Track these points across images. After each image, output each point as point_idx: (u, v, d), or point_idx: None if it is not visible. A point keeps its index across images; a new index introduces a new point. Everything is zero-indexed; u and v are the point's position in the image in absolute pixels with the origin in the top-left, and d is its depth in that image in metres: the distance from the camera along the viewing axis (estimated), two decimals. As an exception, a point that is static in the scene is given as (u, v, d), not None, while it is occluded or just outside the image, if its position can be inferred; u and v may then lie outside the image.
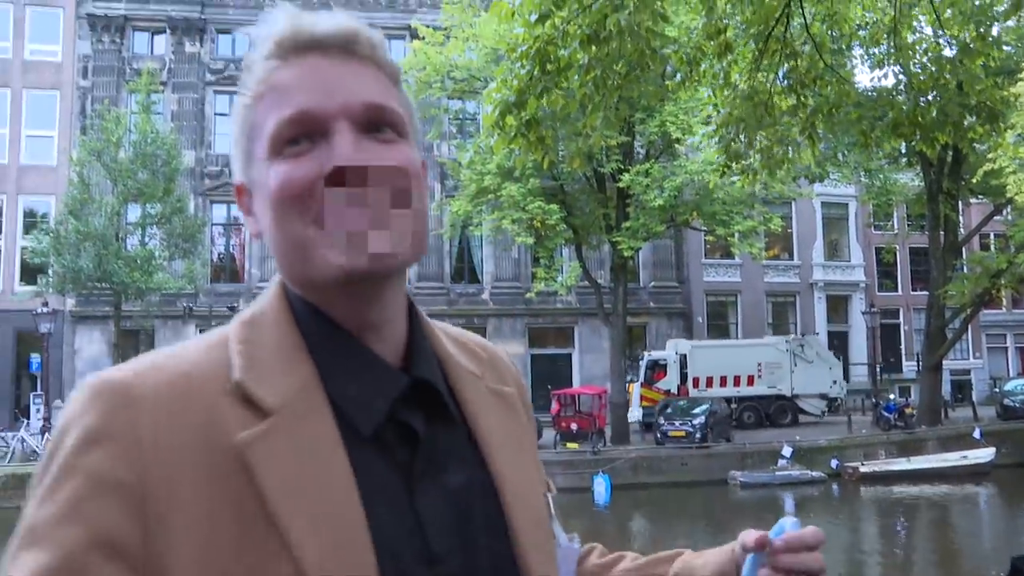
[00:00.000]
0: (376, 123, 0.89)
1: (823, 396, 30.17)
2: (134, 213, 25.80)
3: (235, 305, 29.83)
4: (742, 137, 6.44)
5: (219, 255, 33.94)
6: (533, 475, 1.00)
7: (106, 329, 28.60)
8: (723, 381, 28.57)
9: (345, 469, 0.83)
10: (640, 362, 30.50)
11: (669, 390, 28.60)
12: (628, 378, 27.87)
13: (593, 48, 6.00)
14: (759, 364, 29.34)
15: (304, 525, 0.79)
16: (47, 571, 0.75)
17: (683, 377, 28.96)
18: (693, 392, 28.22)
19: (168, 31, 33.66)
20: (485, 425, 0.96)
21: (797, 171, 6.85)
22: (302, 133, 0.87)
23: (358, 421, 0.86)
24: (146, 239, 25.69)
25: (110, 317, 26.34)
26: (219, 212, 33.77)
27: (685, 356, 29.23)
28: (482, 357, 1.04)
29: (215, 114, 34.06)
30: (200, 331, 30.59)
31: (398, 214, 0.87)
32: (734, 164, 6.62)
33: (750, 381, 29.34)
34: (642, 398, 28.33)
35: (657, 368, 29.47)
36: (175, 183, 25.85)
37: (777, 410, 29.34)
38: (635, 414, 27.73)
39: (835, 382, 30.50)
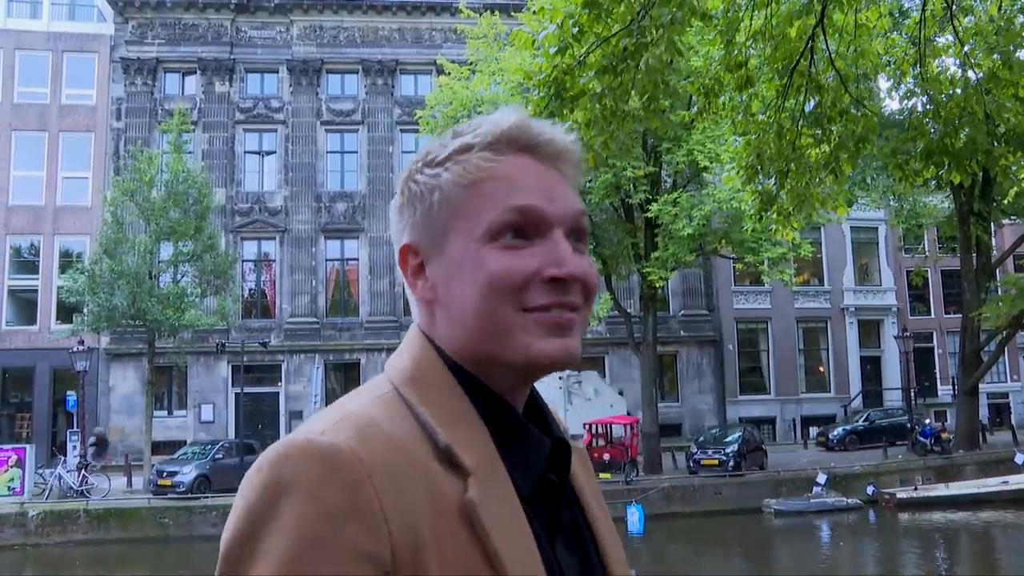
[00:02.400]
0: (577, 234, 0.98)
1: None
2: (166, 251, 26.16)
3: (266, 341, 30.09)
4: (771, 174, 6.46)
5: (250, 291, 34.28)
6: (610, 523, 1.08)
7: (140, 366, 28.93)
8: None
9: (527, 523, 0.92)
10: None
11: None
12: None
13: (607, 77, 6.06)
14: None
15: (519, 573, 0.87)
16: None
17: None
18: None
19: (199, 72, 34.31)
20: (581, 481, 1.06)
21: (826, 205, 6.76)
22: (522, 227, 0.95)
23: (519, 481, 0.94)
24: (178, 276, 26.03)
25: (144, 354, 26.65)
26: (250, 248, 34.18)
27: None
28: (555, 417, 1.11)
29: (244, 152, 34.58)
30: (232, 367, 30.97)
31: (583, 323, 0.98)
32: (770, 210, 6.63)
33: None
34: None
35: None
36: (206, 221, 26.23)
37: None
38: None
39: None
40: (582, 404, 27.58)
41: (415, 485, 0.85)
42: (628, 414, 28.89)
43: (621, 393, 29.94)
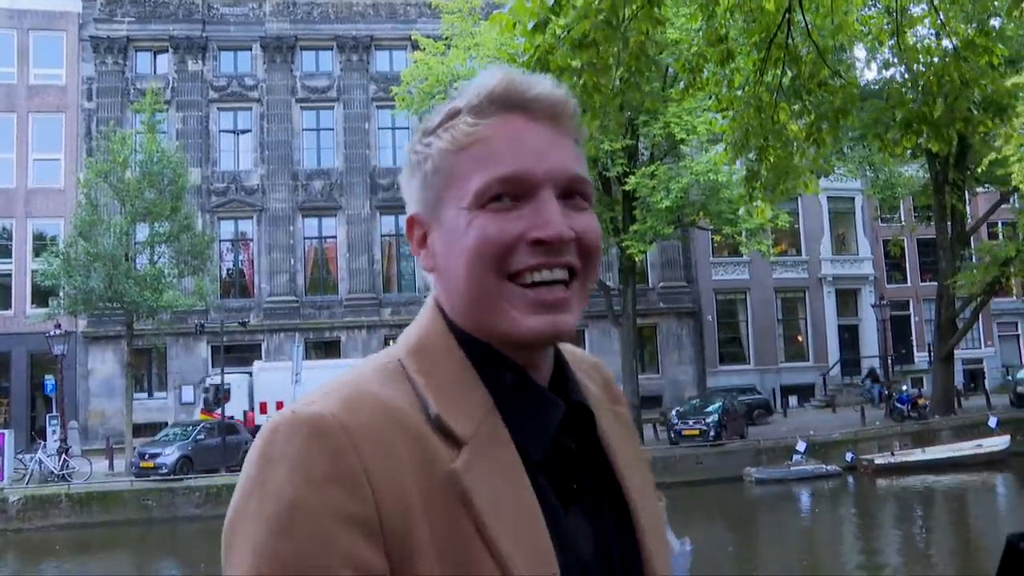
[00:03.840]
0: (573, 192, 0.95)
1: None
2: (143, 232, 25.90)
3: (246, 320, 29.97)
4: (752, 148, 6.47)
5: (228, 271, 34.09)
6: (650, 488, 1.06)
7: (118, 349, 28.74)
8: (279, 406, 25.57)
9: (531, 492, 0.91)
10: (201, 386, 28.89)
11: (233, 416, 26.75)
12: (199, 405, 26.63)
13: (585, 53, 6.01)
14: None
15: (511, 543, 0.87)
16: None
17: (251, 401, 27.38)
18: (260, 419, 25.96)
19: (171, 50, 33.85)
20: (615, 446, 1.02)
21: (809, 182, 6.77)
22: (509, 192, 0.93)
23: (529, 446, 0.93)
24: (155, 258, 25.81)
25: (122, 337, 26.46)
26: (227, 228, 33.94)
27: (252, 380, 27.67)
28: (596, 379, 1.10)
29: (219, 131, 34.23)
30: (212, 347, 30.80)
31: (581, 283, 0.95)
32: (755, 187, 6.64)
33: None
34: None
35: (220, 392, 26.96)
36: (182, 201, 25.98)
37: None
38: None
39: None
40: None
41: (404, 450, 0.86)
42: None
43: None
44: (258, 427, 26.18)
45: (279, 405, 25.83)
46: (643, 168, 25.01)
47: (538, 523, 0.89)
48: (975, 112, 6.33)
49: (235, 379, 27.81)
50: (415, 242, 1.01)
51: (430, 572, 0.84)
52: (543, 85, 0.97)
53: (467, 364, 0.95)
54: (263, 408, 26.74)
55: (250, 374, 28.09)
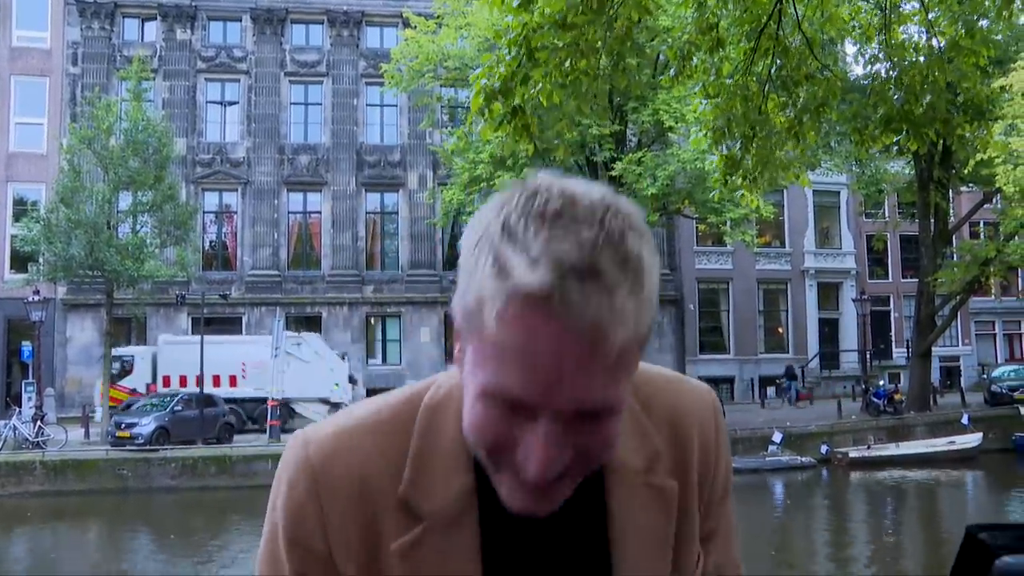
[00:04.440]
0: (584, 414, 0.84)
1: (324, 401, 26.63)
2: (125, 201, 25.69)
3: (227, 293, 29.85)
4: (736, 137, 6.48)
5: (211, 243, 33.91)
6: (662, 570, 1.00)
7: (98, 317, 28.57)
8: (198, 380, 25.00)
9: (476, 574, 0.93)
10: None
11: (135, 389, 26.61)
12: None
13: (567, 33, 5.97)
14: (243, 364, 26.95)
15: None
16: None
17: (155, 375, 27.09)
18: (163, 390, 26.01)
19: (159, 18, 33.50)
20: (623, 527, 0.98)
21: (788, 172, 6.79)
22: (506, 405, 0.84)
23: (502, 527, 0.94)
24: (138, 227, 25.63)
25: (102, 305, 26.29)
26: (211, 200, 33.74)
27: (156, 353, 27.39)
28: (654, 439, 1.02)
29: (206, 102, 33.96)
30: (192, 319, 30.62)
31: (575, 482, 0.89)
32: (735, 175, 6.64)
33: (232, 381, 26.88)
34: (109, 397, 25.18)
35: (125, 365, 27.03)
36: (166, 171, 25.78)
37: (263, 414, 25.62)
38: (99, 413, 25.01)
39: (338, 385, 27.26)
40: (300, 367, 26.07)
41: (363, 520, 0.94)
42: (351, 379, 27.97)
43: (344, 357, 28.71)
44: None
45: (182, 380, 26.04)
46: (630, 154, 25.01)
47: None
48: (954, 115, 6.36)
49: (140, 352, 27.75)
50: (455, 332, 0.94)
51: None
52: (603, 285, 0.79)
53: (464, 440, 0.93)
54: (166, 381, 26.44)
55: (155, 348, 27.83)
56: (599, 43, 5.91)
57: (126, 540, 17.78)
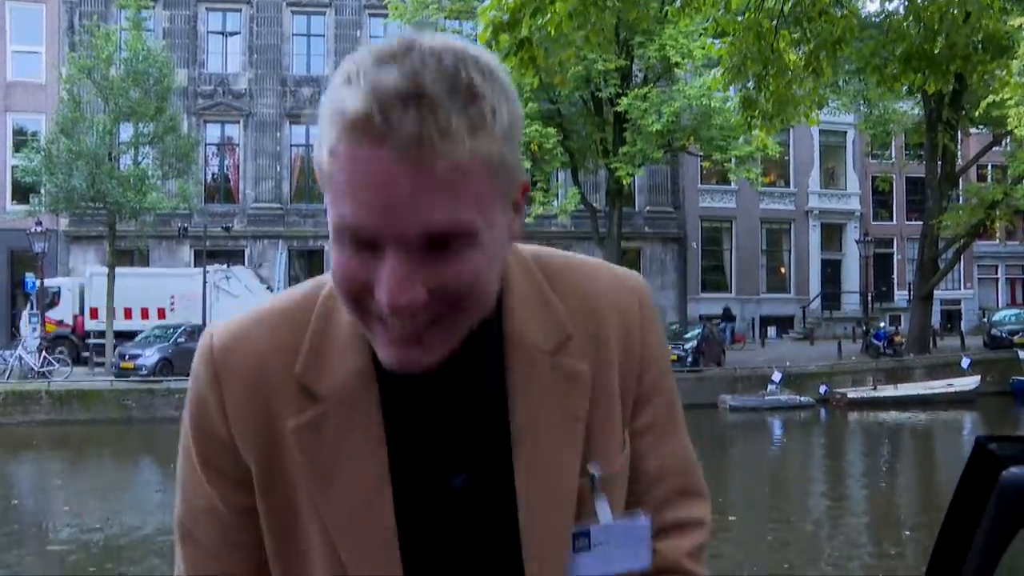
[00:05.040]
0: (436, 240, 0.82)
1: None
2: (126, 132, 25.51)
3: (229, 225, 29.79)
4: (750, 76, 6.37)
5: (213, 175, 33.73)
6: (569, 453, 0.97)
7: (100, 249, 28.56)
8: (128, 313, 25.48)
9: (379, 455, 0.93)
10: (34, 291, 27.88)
11: (62, 320, 26.62)
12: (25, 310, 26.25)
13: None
14: (172, 296, 27.02)
15: (332, 502, 0.93)
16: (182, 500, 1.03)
17: (82, 307, 27.01)
18: (90, 324, 26.25)
19: (158, -57, 32.78)
20: (524, 401, 0.96)
21: (806, 108, 6.70)
22: (353, 237, 0.83)
23: (397, 406, 0.94)
24: (139, 158, 25.47)
25: (104, 237, 26.27)
26: (213, 132, 33.45)
27: (84, 285, 27.16)
28: (563, 321, 0.99)
29: (208, 32, 33.43)
30: (194, 252, 30.66)
31: (452, 324, 0.86)
32: (752, 115, 6.53)
33: (160, 314, 26.77)
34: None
35: (51, 296, 26.86)
36: (168, 102, 25.52)
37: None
38: (30, 345, 24.58)
39: None
40: (229, 301, 25.90)
41: (261, 402, 0.95)
42: None
43: (273, 291, 28.10)
44: (87, 332, 26.19)
45: (127, 313, 26.03)
46: (636, 90, 24.69)
47: (369, 487, 0.92)
48: (975, 51, 6.23)
49: (66, 283, 27.56)
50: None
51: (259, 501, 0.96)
52: (422, 104, 0.78)
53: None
54: (93, 313, 26.29)
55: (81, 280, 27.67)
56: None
57: (129, 469, 18.06)
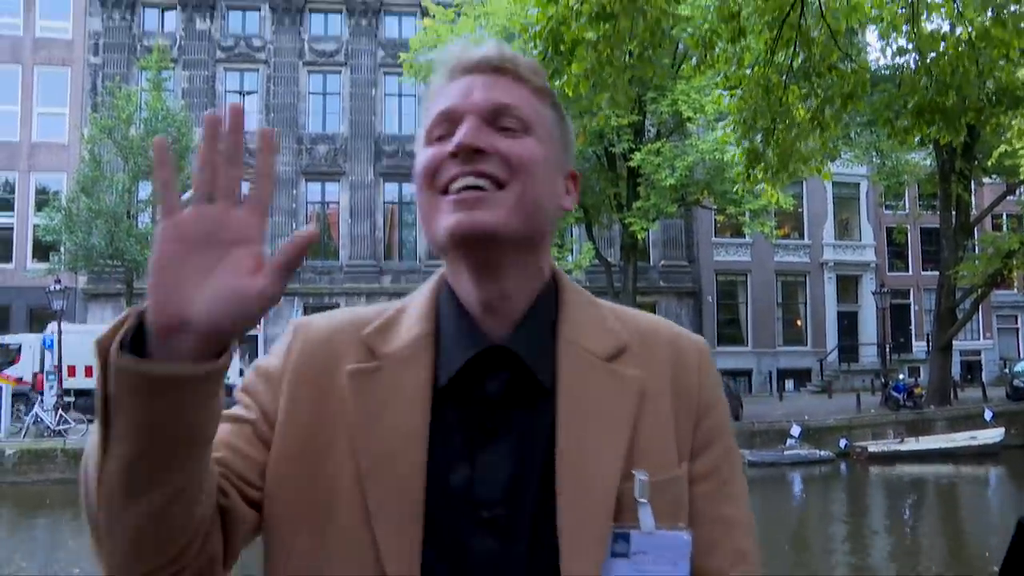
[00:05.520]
0: (499, 117, 1.06)
1: None
2: (145, 190, 25.84)
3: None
4: (759, 129, 6.40)
5: (230, 232, 33.95)
6: (613, 452, 1.02)
7: (118, 307, 28.75)
8: (71, 371, 24.64)
9: (422, 412, 1.03)
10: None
11: (21, 377, 25.49)
12: None
13: (603, 26, 5.96)
14: None
15: (370, 443, 1.02)
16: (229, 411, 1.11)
17: (43, 364, 25.95)
18: (69, 381, 25.13)
19: (178, 8, 33.57)
20: (574, 397, 1.04)
21: (809, 164, 6.77)
22: (444, 127, 1.07)
23: (442, 374, 1.05)
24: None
25: (122, 295, 26.47)
26: (230, 190, 33.77)
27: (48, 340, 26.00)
28: (622, 335, 1.11)
29: (226, 91, 34.01)
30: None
31: (512, 192, 1.04)
32: (757, 168, 6.57)
33: (88, 372, 25.18)
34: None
35: (11, 352, 26.11)
36: (186, 160, 25.80)
37: None
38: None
39: None
40: None
41: (327, 350, 1.09)
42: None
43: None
44: (42, 391, 25.33)
45: (71, 369, 25.24)
46: (649, 145, 24.86)
47: (414, 439, 1.01)
48: (988, 104, 6.25)
49: (28, 340, 26.97)
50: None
51: (289, 427, 1.05)
52: (490, 49, 1.12)
53: (431, 303, 1.12)
54: (71, 371, 25.40)
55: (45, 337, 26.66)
56: (627, 32, 5.85)
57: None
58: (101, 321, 30.44)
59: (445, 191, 1.04)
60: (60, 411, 23.50)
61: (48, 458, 21.56)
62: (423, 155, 1.08)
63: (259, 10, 34.25)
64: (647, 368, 1.08)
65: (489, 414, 1.03)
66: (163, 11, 33.86)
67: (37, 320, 30.08)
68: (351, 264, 33.58)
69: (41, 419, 23.25)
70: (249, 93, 34.30)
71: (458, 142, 1.03)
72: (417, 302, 1.13)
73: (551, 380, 1.05)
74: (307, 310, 32.42)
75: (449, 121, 1.07)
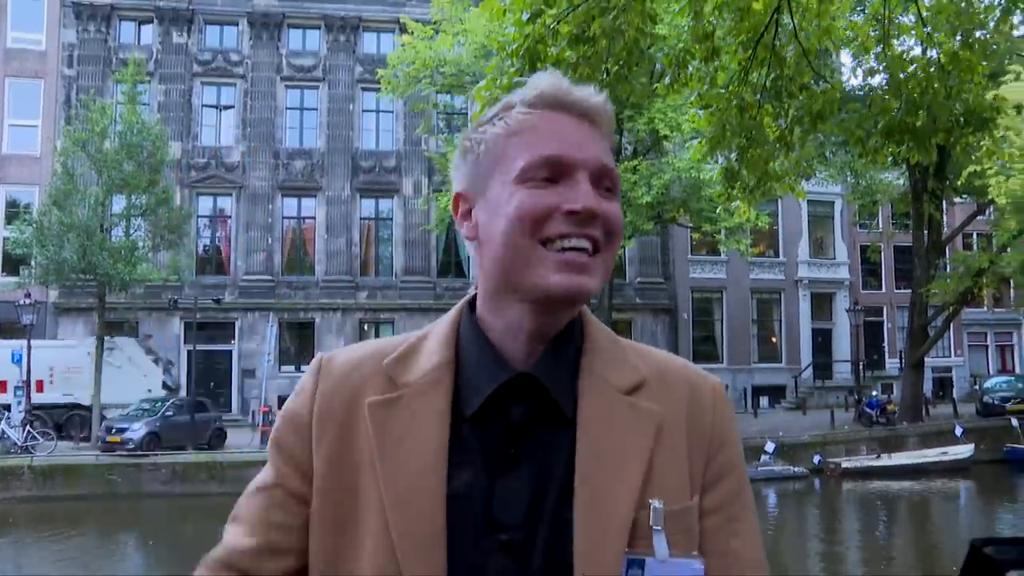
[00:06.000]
0: (603, 180, 1.08)
1: None
2: (119, 204, 25.63)
3: (220, 297, 29.73)
4: (732, 147, 6.46)
5: (204, 247, 33.77)
6: (630, 481, 1.05)
7: (89, 321, 28.44)
8: (3, 387, 24.50)
9: (441, 439, 1.06)
10: None
11: None
12: None
13: (582, 47, 6.00)
14: (51, 368, 25.71)
15: (392, 472, 1.04)
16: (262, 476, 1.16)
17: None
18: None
19: (155, 21, 33.42)
20: (594, 428, 1.07)
21: (783, 182, 6.86)
22: (548, 171, 1.06)
23: (467, 404, 1.08)
24: (131, 230, 25.53)
25: (94, 309, 26.19)
26: (205, 204, 33.62)
27: None
28: (641, 370, 1.14)
29: (202, 105, 33.85)
30: (185, 324, 30.54)
31: (604, 257, 1.08)
32: (734, 188, 6.63)
33: (39, 387, 25.23)
34: None
35: None
36: (161, 174, 25.72)
37: (71, 421, 25.48)
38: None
39: (150, 391, 26.41)
40: (112, 372, 25.37)
41: (350, 384, 1.12)
42: (165, 385, 27.33)
43: (159, 362, 28.07)
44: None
45: (1, 385, 25.24)
46: (625, 163, 25.01)
47: (434, 466, 1.04)
48: (957, 125, 6.35)
49: None
50: (460, 215, 1.16)
51: (326, 466, 1.09)
52: (586, 91, 1.12)
53: (452, 332, 1.14)
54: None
55: None
56: (605, 52, 5.89)
57: (115, 546, 17.67)
58: (72, 335, 30.13)
59: (546, 243, 1.05)
60: (28, 427, 23.16)
61: (14, 475, 21.23)
62: (524, 197, 1.06)
63: (237, 24, 34.17)
64: (664, 403, 1.11)
65: (511, 440, 1.06)
66: (140, 24, 33.69)
67: (5, 335, 29.67)
68: (327, 279, 33.43)
69: (8, 436, 22.91)
70: (226, 107, 34.16)
71: (585, 206, 1.04)
72: (438, 330, 1.16)
73: (572, 409, 1.08)
74: (282, 325, 32.26)
75: (556, 167, 1.06)
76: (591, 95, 1.11)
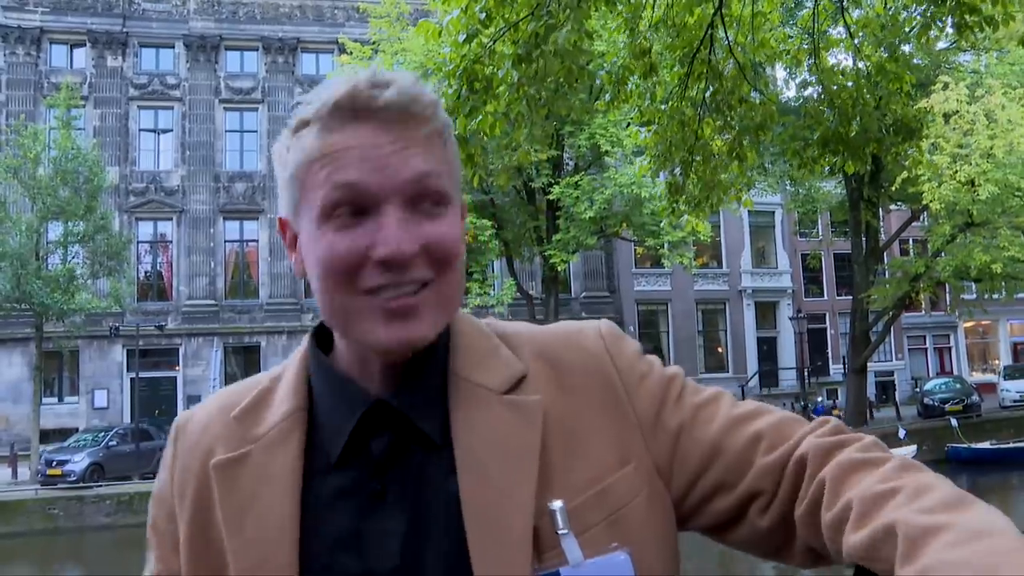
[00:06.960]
0: (423, 199, 0.91)
1: None
2: (55, 231, 25.07)
3: (163, 324, 29.19)
4: (676, 162, 6.56)
5: (146, 273, 33.17)
6: (521, 488, 0.93)
7: (27, 351, 27.71)
8: None
9: (292, 501, 0.94)
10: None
11: None
12: None
13: (523, 67, 6.04)
14: None
15: (239, 543, 0.94)
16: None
17: None
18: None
19: (88, 44, 32.86)
20: (470, 441, 0.94)
21: (730, 193, 6.96)
22: (351, 205, 0.90)
23: (329, 446, 0.96)
24: (68, 258, 24.98)
25: (31, 339, 25.52)
26: (145, 229, 33.05)
27: None
28: (516, 365, 1.01)
29: (139, 130, 33.34)
30: (127, 351, 29.94)
31: (439, 286, 0.92)
32: (679, 200, 6.73)
33: None
34: None
35: None
36: (98, 200, 25.21)
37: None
38: None
39: None
40: None
41: (202, 447, 1.01)
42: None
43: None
44: None
45: None
46: (567, 178, 25.18)
47: (282, 526, 0.93)
48: (887, 135, 6.53)
49: None
50: (287, 244, 1.02)
51: (184, 544, 0.98)
52: (393, 88, 0.92)
53: (301, 366, 1.03)
54: None
55: None
56: (543, 71, 5.94)
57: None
58: (9, 366, 29.30)
59: (367, 291, 0.91)
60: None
61: (-50, 514, 20.52)
62: (330, 243, 0.90)
63: (173, 47, 33.76)
64: (551, 384, 0.99)
65: (376, 476, 0.94)
66: (72, 47, 33.08)
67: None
68: (271, 303, 33.04)
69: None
70: (164, 131, 33.68)
71: (387, 256, 0.88)
72: (288, 372, 1.03)
73: (442, 428, 0.95)
74: (227, 350, 31.76)
75: (359, 199, 0.90)
76: (399, 89, 0.92)
